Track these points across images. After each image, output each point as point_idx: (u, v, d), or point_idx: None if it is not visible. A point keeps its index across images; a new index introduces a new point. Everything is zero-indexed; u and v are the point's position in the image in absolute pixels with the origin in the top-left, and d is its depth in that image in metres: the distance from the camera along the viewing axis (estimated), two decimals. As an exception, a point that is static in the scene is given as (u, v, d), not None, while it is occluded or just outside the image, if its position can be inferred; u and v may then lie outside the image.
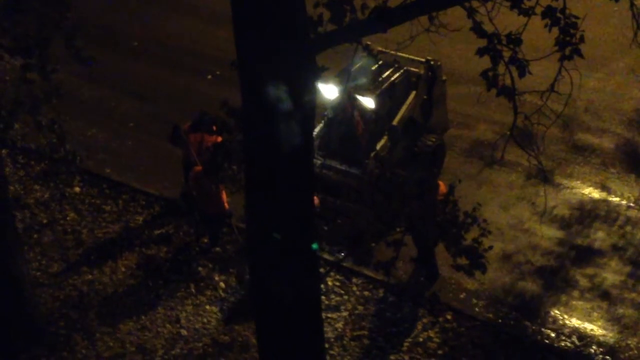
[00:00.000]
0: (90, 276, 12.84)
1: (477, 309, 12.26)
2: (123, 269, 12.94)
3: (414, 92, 13.81)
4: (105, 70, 15.80)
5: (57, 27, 9.93)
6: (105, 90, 16.57)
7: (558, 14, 7.57)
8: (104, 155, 15.03)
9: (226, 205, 12.48)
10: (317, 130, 13.44)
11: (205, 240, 13.18)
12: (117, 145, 15.39)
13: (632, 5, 7.65)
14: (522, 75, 7.71)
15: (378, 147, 13.24)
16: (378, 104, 13.27)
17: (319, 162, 13.29)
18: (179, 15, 18.71)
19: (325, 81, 12.76)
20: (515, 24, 7.74)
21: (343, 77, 13.01)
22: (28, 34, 9.85)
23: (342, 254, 12.31)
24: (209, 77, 16.73)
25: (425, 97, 14.02)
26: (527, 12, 7.58)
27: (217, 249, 13.10)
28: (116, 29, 18.25)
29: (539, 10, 7.59)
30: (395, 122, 13.42)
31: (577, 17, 7.62)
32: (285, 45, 6.76)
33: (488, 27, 7.70)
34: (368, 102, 13.16)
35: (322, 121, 13.57)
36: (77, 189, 14.38)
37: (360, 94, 13.18)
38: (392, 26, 7.54)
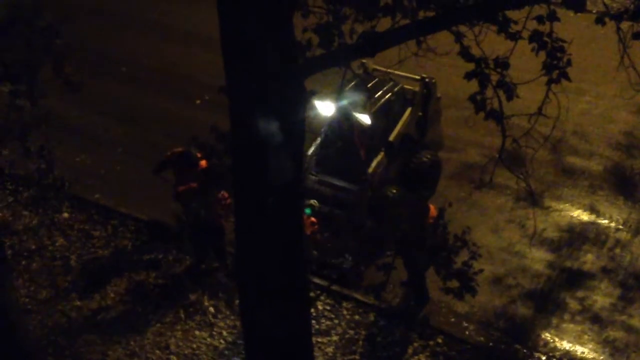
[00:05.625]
0: (78, 302, 12.77)
1: (467, 333, 12.24)
2: (112, 295, 12.87)
3: (409, 109, 13.95)
4: (94, 95, 15.80)
5: (46, 53, 9.94)
6: (94, 115, 16.57)
7: (545, 38, 7.61)
8: (92, 181, 14.99)
9: (221, 220, 12.46)
10: (314, 146, 13.62)
11: (203, 266, 13.12)
12: (106, 170, 15.37)
13: (618, 28, 7.69)
14: (509, 98, 7.74)
15: (374, 163, 13.31)
16: (374, 120, 13.37)
17: (315, 178, 13.38)
18: (167, 40, 18.76)
19: (322, 98, 12.86)
20: (503, 48, 7.78)
21: (339, 94, 13.11)
22: (17, 59, 9.85)
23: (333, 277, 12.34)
24: (198, 101, 16.74)
25: (420, 114, 14.12)
26: (514, 37, 7.62)
27: (203, 266, 13.04)
28: (105, 54, 18.28)
29: (525, 34, 7.64)
30: (391, 139, 13.52)
31: (564, 41, 7.66)
32: (273, 70, 6.78)
33: (476, 51, 7.74)
34: (364, 118, 13.26)
35: (319, 138, 13.72)
36: (66, 215, 14.33)
37: (356, 111, 13.28)
38: (380, 51, 7.58)
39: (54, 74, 10.06)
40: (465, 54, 7.64)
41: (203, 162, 12.34)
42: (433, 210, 11.85)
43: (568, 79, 7.73)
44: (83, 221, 14.23)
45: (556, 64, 7.67)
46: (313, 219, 12.50)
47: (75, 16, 15.92)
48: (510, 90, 7.71)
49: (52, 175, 11.49)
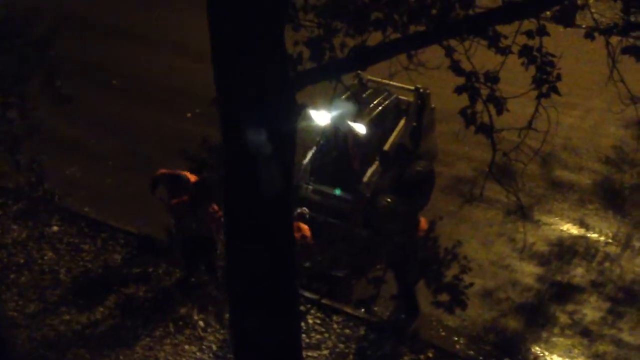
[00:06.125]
0: (67, 316, 12.70)
1: (458, 346, 12.23)
2: (101, 309, 12.80)
3: (403, 119, 14.04)
4: (84, 108, 15.78)
5: (37, 66, 9.94)
6: (84, 128, 16.53)
7: (534, 53, 7.66)
8: (82, 194, 14.93)
9: (213, 234, 12.45)
10: (309, 155, 13.72)
11: (193, 280, 13.09)
12: (96, 183, 15.32)
13: (607, 43, 7.75)
14: (499, 112, 7.78)
15: (369, 172, 13.37)
16: (369, 130, 13.43)
17: (310, 187, 13.43)
18: (159, 52, 18.77)
19: (317, 108, 12.91)
20: (493, 62, 7.81)
21: (335, 103, 13.18)
22: (8, 72, 9.84)
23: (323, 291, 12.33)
24: (189, 114, 16.74)
25: (414, 124, 14.19)
26: (504, 51, 7.66)
27: (192, 279, 13.01)
28: (96, 67, 18.27)
29: (515, 48, 7.68)
30: (386, 148, 13.59)
31: (553, 56, 7.71)
32: (265, 84, 6.79)
33: (466, 66, 7.77)
34: (360, 128, 13.31)
35: (314, 147, 13.79)
36: (56, 228, 14.27)
37: (352, 120, 13.33)
38: (371, 65, 7.61)
39: (45, 87, 10.04)
40: (455, 68, 7.68)
41: (192, 178, 12.35)
42: (424, 222, 11.87)
43: (558, 93, 7.77)
44: (73, 234, 14.17)
45: (546, 78, 7.71)
46: (305, 226, 12.50)
47: (66, 29, 15.94)
48: (500, 104, 7.75)
49: (42, 188, 11.47)
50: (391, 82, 13.22)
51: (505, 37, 7.67)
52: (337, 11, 7.49)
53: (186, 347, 12.24)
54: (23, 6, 11.45)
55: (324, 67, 7.39)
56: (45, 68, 9.98)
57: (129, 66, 18.35)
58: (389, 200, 12.42)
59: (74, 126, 16.44)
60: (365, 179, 13.39)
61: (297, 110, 7.28)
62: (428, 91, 14.19)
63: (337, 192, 13.29)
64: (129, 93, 17.58)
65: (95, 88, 17.48)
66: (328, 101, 12.66)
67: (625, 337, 12.20)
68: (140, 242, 13.88)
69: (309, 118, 12.90)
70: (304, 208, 12.85)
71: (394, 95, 14.17)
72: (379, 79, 13.75)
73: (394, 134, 13.90)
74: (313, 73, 7.37)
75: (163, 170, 12.83)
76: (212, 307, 12.66)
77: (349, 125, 13.41)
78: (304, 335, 11.99)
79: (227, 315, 11.94)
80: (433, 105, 14.49)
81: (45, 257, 13.71)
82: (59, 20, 15.77)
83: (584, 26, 10.57)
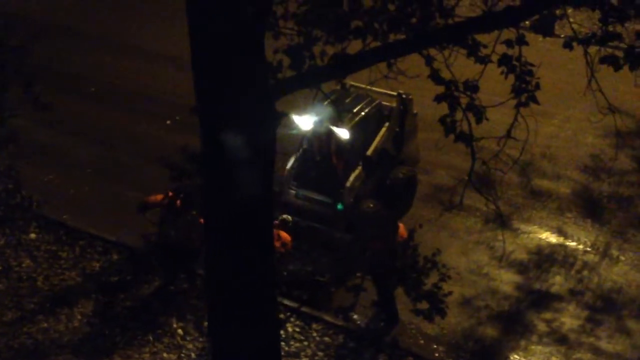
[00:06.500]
0: (45, 324, 12.61)
1: (437, 355, 12.23)
2: (79, 317, 12.72)
3: (386, 125, 14.10)
4: (63, 115, 15.64)
5: (16, 73, 9.88)
6: (62, 135, 16.43)
7: (514, 62, 7.70)
8: (60, 201, 14.85)
9: (194, 244, 12.39)
10: (292, 160, 13.78)
11: (172, 288, 13.03)
12: (74, 191, 15.24)
13: (586, 52, 7.80)
14: (479, 121, 7.82)
15: (352, 177, 13.42)
16: (352, 135, 13.48)
17: (293, 192, 13.43)
18: (138, 60, 18.73)
19: (300, 113, 12.92)
20: (472, 71, 7.84)
21: (318, 109, 13.21)
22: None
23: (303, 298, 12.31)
24: (168, 122, 16.69)
25: (397, 129, 14.25)
26: (484, 60, 7.70)
27: (172, 287, 12.96)
28: (75, 74, 18.20)
29: (495, 58, 7.72)
30: (369, 153, 13.65)
31: (532, 65, 7.75)
32: (245, 92, 6.79)
33: (445, 74, 7.80)
34: (343, 133, 13.34)
35: (298, 152, 13.83)
36: (33, 236, 14.18)
37: (335, 126, 13.36)
38: (351, 73, 7.62)
39: (24, 94, 9.99)
40: (435, 76, 7.71)
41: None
42: (402, 229, 11.91)
43: (537, 102, 7.82)
44: (50, 242, 14.08)
45: (525, 87, 7.76)
46: (285, 234, 12.49)
47: (44, 36, 15.88)
48: (479, 113, 7.78)
49: (20, 195, 11.37)
50: (374, 88, 13.31)
51: (485, 46, 7.71)
52: (317, 19, 7.49)
53: (165, 355, 12.18)
54: (1, 13, 11.41)
55: (303, 76, 7.40)
56: (24, 75, 9.92)
57: (108, 74, 18.30)
58: (371, 205, 12.47)
59: (52, 133, 16.32)
60: (348, 184, 13.44)
61: (277, 118, 7.28)
62: (410, 97, 14.26)
63: (339, 207, 13.29)
64: (108, 100, 17.51)
65: (74, 95, 17.40)
66: (311, 106, 12.73)
67: (603, 345, 12.25)
68: (119, 250, 13.81)
69: (291, 124, 12.92)
70: (287, 215, 12.85)
71: (377, 101, 14.24)
72: (362, 85, 13.84)
73: (377, 139, 13.97)
74: (293, 81, 7.38)
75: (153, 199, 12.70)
76: (191, 315, 12.61)
77: (331, 130, 13.47)
78: (283, 344, 11.97)
79: (206, 324, 11.90)
80: (415, 111, 14.56)
81: (23, 265, 13.62)
82: (38, 28, 15.75)
83: (562, 36, 10.65)
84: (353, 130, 13.57)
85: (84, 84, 17.97)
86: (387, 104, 14.41)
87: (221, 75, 6.72)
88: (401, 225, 12.07)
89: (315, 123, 13.33)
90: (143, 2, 21.20)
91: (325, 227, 13.33)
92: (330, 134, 13.58)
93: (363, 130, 13.91)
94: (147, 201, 12.68)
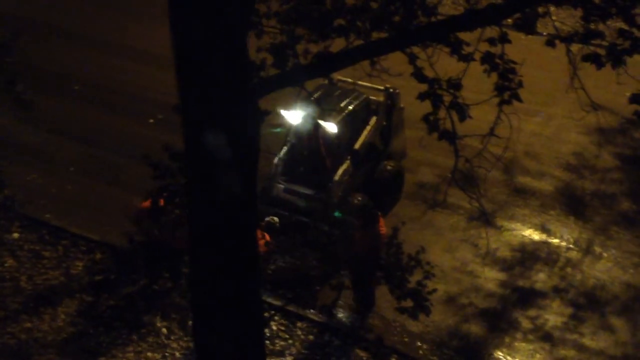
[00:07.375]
0: (29, 324, 12.55)
1: (421, 352, 12.26)
2: (63, 316, 12.68)
3: (374, 119, 14.16)
4: (45, 114, 15.64)
5: (-3, 71, 9.84)
6: (45, 134, 16.37)
7: (497, 60, 7.72)
8: (43, 201, 14.78)
9: (180, 243, 12.33)
10: (280, 154, 13.80)
11: (156, 287, 12.98)
12: (57, 190, 15.17)
13: (568, 51, 7.83)
14: (462, 119, 7.82)
15: (340, 171, 13.44)
16: (340, 129, 13.51)
17: (282, 186, 13.44)
18: (121, 58, 18.65)
19: (288, 107, 12.91)
20: (456, 70, 7.86)
21: (306, 103, 13.22)
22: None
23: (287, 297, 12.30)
24: (151, 120, 16.64)
25: (384, 123, 14.29)
26: (467, 58, 7.71)
27: (156, 286, 12.93)
28: (57, 72, 18.11)
29: (478, 56, 7.73)
30: (357, 147, 13.70)
31: (515, 63, 7.77)
32: (228, 90, 6.76)
33: (429, 73, 7.81)
34: (331, 127, 13.36)
35: (286, 146, 13.85)
36: (16, 235, 14.11)
37: (322, 120, 13.37)
38: (334, 71, 7.63)
39: (6, 92, 9.93)
40: (418, 75, 7.71)
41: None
42: (382, 223, 12.02)
43: (519, 99, 7.84)
44: (33, 241, 14.01)
45: (508, 85, 7.78)
46: (267, 236, 12.47)
47: (26, 34, 15.79)
48: (462, 111, 7.79)
49: (2, 194, 11.32)
50: (361, 82, 13.35)
51: (468, 44, 7.72)
52: (300, 17, 7.49)
53: (149, 354, 12.15)
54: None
55: (287, 74, 7.39)
56: (6, 74, 9.87)
57: (90, 72, 18.22)
58: (359, 198, 12.52)
59: (34, 132, 16.27)
60: (336, 177, 13.47)
61: (260, 117, 7.26)
62: (397, 91, 14.31)
63: (337, 214, 13.27)
64: (91, 99, 17.45)
65: (56, 94, 17.32)
66: (298, 101, 12.74)
67: (587, 341, 12.32)
68: (102, 249, 13.76)
69: (275, 123, 12.93)
70: (274, 217, 12.79)
71: (364, 95, 14.29)
72: (349, 79, 13.89)
73: (365, 133, 14.03)
74: (276, 80, 7.37)
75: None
76: (175, 314, 12.59)
77: (319, 124, 13.49)
78: (268, 342, 11.96)
79: (190, 322, 11.87)
80: (402, 105, 14.61)
81: (6, 264, 13.55)
82: (20, 26, 15.65)
83: (545, 34, 10.64)
84: (341, 124, 13.61)
85: (67, 82, 17.89)
86: (375, 98, 14.47)
87: (203, 74, 6.70)
88: (381, 220, 12.19)
89: (303, 117, 13.37)
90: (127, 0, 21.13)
91: (312, 221, 13.33)
92: (318, 128, 13.62)
93: (351, 125, 13.96)
94: (142, 211, 12.60)
